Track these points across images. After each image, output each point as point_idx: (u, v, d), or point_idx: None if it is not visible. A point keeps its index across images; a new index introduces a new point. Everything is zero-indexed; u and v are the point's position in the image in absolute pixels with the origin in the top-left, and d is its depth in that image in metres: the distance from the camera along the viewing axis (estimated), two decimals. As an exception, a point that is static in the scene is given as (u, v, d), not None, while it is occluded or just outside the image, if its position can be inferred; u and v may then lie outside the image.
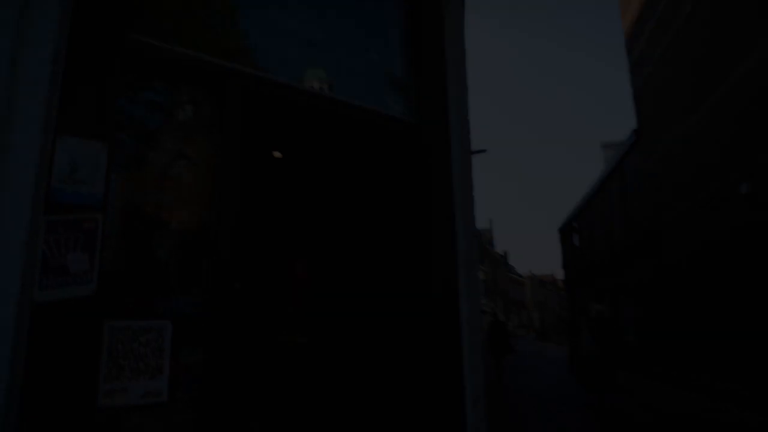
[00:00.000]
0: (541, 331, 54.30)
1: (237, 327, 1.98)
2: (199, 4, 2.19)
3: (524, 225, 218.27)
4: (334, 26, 2.68)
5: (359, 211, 3.23)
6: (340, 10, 2.76)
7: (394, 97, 2.89)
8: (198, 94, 2.10)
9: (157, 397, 1.79)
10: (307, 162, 3.63)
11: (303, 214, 3.71)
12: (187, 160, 2.07)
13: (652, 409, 9.26)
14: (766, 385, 8.00)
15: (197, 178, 2.08)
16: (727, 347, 9.51)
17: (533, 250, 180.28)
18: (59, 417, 1.55)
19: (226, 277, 1.97)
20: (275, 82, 2.26)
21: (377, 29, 2.97)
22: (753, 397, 8.37)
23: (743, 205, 8.50)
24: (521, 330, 54.89)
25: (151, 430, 1.80)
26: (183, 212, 2.04)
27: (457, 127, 2.95)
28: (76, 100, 1.73)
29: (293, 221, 3.71)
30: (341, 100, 2.52)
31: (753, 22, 8.14)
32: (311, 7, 2.57)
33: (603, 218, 17.94)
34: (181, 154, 2.06)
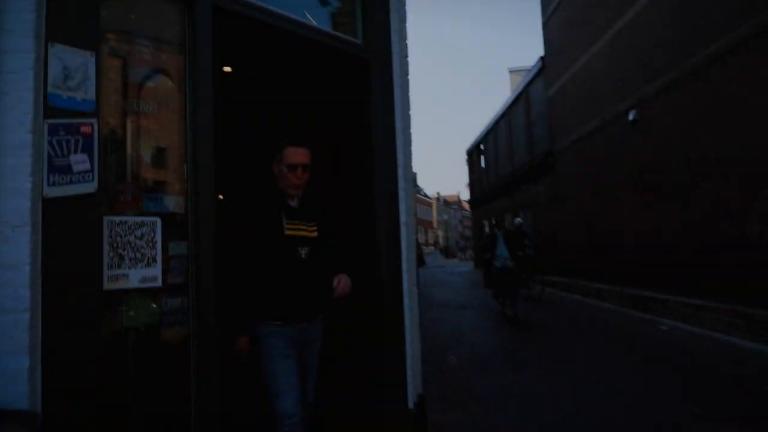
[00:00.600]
0: (445, 248, 57.67)
1: (217, 226, 2.26)
2: None
3: (434, 148, 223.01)
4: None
5: (311, 124, 3.47)
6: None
7: (346, 25, 3.10)
8: (174, 11, 2.21)
9: (153, 282, 2.07)
10: (266, 78, 3.75)
11: (265, 130, 3.86)
12: (165, 73, 2.22)
13: (557, 313, 10.59)
14: (623, 284, 9.54)
15: (174, 91, 2.24)
16: (601, 255, 11.02)
17: (442, 172, 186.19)
18: (73, 297, 1.79)
19: (206, 182, 2.21)
20: (246, 2, 2.40)
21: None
22: (617, 293, 9.95)
23: (630, 131, 9.59)
24: (427, 248, 57.92)
25: (148, 311, 2.09)
26: (165, 121, 2.21)
27: (398, 52, 3.24)
28: (63, 9, 1.83)
29: (257, 137, 3.84)
30: (305, 23, 2.71)
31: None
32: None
33: (508, 141, 19.10)
34: (160, 68, 2.20)
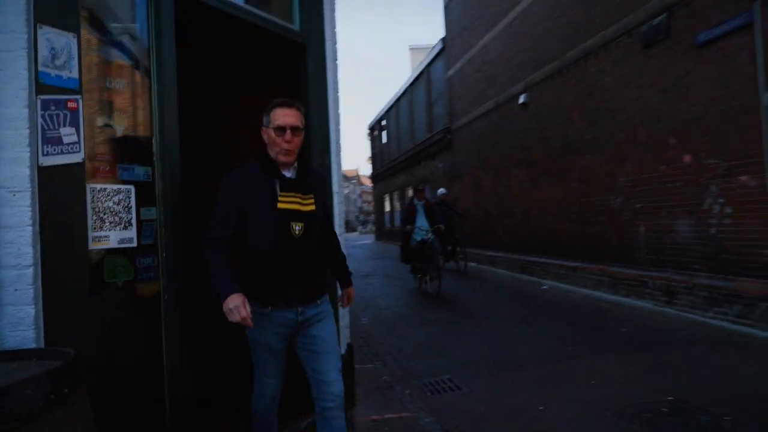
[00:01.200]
0: (345, 222, 58.40)
1: (183, 193, 2.53)
2: None
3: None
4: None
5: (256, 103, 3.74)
6: None
7: (287, 12, 3.40)
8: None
9: (130, 243, 2.32)
10: (216, 60, 3.93)
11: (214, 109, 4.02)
12: (134, 53, 2.43)
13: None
14: (512, 251, 10.70)
15: (142, 69, 2.46)
16: (493, 226, 12.16)
17: (343, 146, 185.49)
18: (65, 255, 2.02)
19: (170, 154, 2.47)
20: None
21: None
22: (507, 260, 11.10)
23: (521, 113, 10.61)
24: (328, 221, 58.23)
25: (126, 268, 2.34)
26: (135, 97, 2.43)
27: (330, 38, 3.59)
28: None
29: (208, 114, 3.99)
30: (252, 11, 2.98)
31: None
32: None
33: (410, 117, 19.89)
34: (129, 49, 2.41)
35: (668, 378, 4.04)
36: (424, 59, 18.15)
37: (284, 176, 2.25)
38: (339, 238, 2.84)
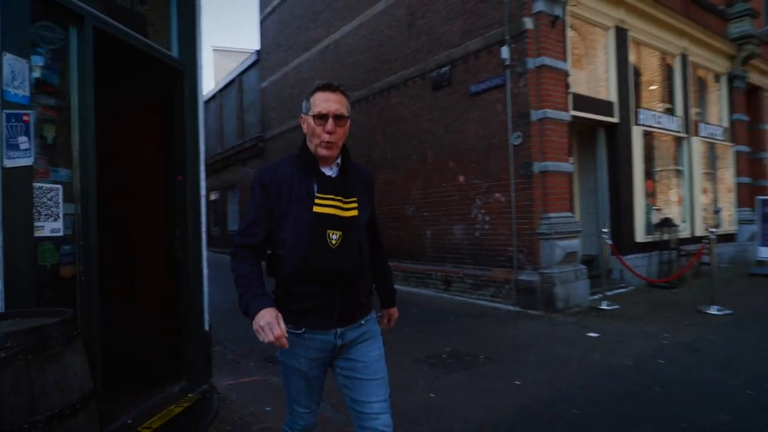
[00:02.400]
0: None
1: (99, 191, 3.07)
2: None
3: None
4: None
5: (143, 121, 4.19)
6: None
7: (167, 41, 4.01)
8: (66, 29, 2.93)
9: (57, 232, 2.82)
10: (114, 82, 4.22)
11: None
12: (62, 74, 2.93)
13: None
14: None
15: (68, 88, 2.96)
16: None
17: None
18: (20, 239, 2.50)
19: (87, 157, 3.00)
20: (114, 25, 3.21)
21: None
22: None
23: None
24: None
25: (53, 253, 2.82)
26: (63, 112, 2.91)
27: (199, 64, 4.29)
28: (10, 26, 2.47)
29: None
30: (145, 41, 3.58)
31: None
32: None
33: (219, 122, 19.98)
34: (58, 70, 2.90)
35: (447, 339, 5.60)
36: (236, 68, 18.53)
37: (324, 174, 1.87)
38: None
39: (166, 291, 4.13)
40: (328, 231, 1.80)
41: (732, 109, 11.98)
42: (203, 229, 4.25)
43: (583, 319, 6.39)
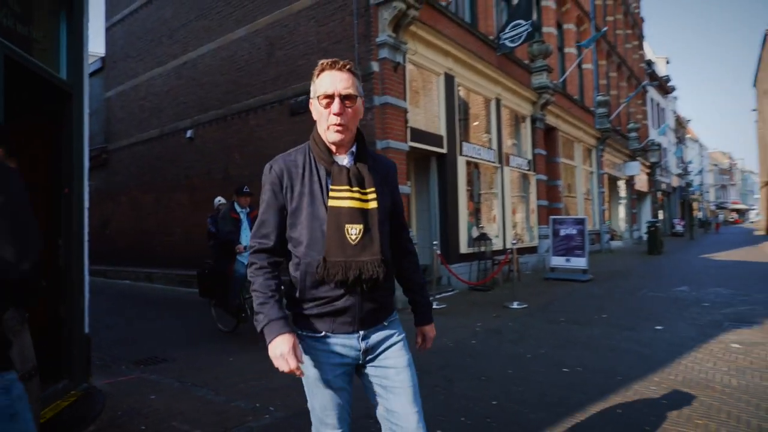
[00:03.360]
0: None
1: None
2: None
3: None
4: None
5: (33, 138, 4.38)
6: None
7: (56, 64, 4.36)
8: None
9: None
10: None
11: None
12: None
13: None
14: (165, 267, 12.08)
15: None
16: (149, 244, 13.15)
17: None
18: None
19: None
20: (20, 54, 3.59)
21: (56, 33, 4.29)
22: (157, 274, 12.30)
23: (187, 145, 12.14)
24: None
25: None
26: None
27: (85, 87, 4.67)
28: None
29: None
30: (38, 64, 3.95)
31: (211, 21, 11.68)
32: None
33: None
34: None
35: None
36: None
37: (337, 164, 1.69)
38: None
39: (49, 295, 4.40)
40: (346, 226, 1.61)
41: (534, 144, 14.69)
42: (86, 238, 4.59)
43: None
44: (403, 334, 1.85)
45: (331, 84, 1.63)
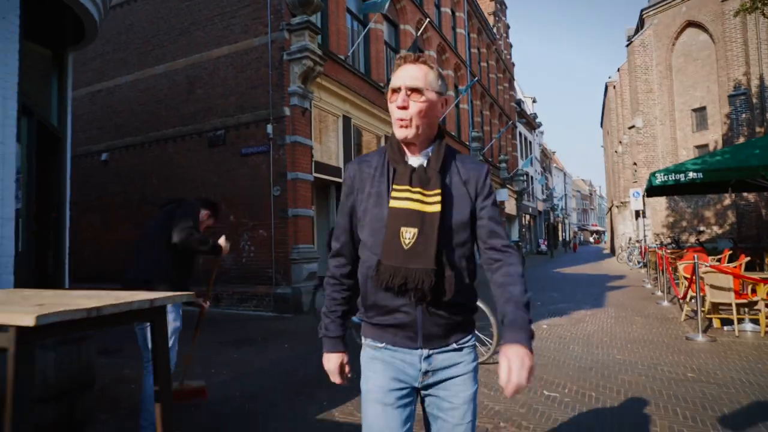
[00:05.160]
0: None
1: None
2: None
3: None
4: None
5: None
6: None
7: (52, 115, 5.65)
8: None
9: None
10: None
11: None
12: None
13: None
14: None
15: None
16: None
17: None
18: None
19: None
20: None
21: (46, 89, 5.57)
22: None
23: (102, 167, 12.93)
24: None
25: None
26: None
27: (69, 133, 5.96)
28: None
29: None
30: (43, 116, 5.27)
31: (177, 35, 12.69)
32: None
33: None
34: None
35: (233, 332, 7.94)
36: None
37: (405, 163, 1.56)
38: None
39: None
40: (401, 228, 1.46)
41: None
42: (67, 252, 5.85)
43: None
44: (474, 363, 1.59)
45: (399, 77, 1.52)
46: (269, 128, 10.12)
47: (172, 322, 3.27)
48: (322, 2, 11.09)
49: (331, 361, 1.66)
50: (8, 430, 1.50)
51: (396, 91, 1.52)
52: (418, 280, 1.43)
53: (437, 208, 1.48)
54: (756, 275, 6.88)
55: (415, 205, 1.48)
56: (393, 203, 1.49)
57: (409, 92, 1.51)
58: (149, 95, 12.22)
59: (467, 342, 1.60)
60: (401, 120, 1.52)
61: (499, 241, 1.59)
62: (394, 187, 1.52)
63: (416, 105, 1.51)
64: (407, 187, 1.50)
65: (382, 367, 1.55)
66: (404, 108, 1.51)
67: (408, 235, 1.46)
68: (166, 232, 3.34)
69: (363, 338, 1.64)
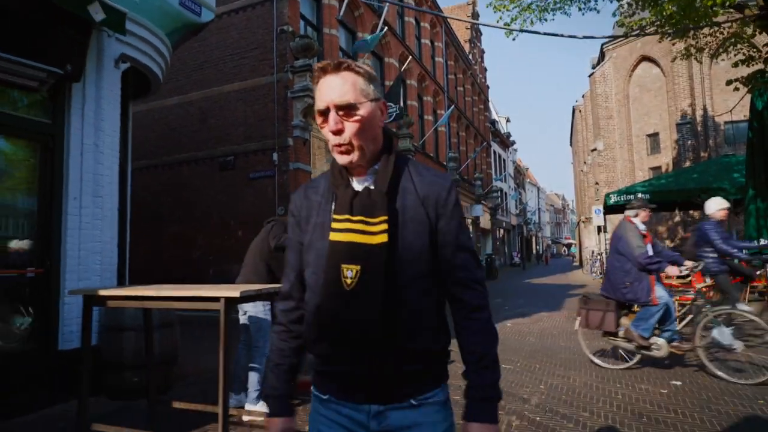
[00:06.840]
0: None
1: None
2: None
3: None
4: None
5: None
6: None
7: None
8: None
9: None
10: None
11: None
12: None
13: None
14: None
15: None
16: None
17: None
18: None
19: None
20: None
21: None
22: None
23: (117, 187, 14.31)
24: None
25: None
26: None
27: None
28: None
29: None
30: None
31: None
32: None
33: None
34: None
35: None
36: None
37: (345, 188, 1.29)
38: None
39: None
40: (342, 265, 1.20)
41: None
42: (127, 257, 7.34)
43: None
44: (446, 425, 1.26)
45: (324, 93, 1.23)
46: (275, 156, 11.73)
47: (264, 315, 4.79)
48: (320, 47, 12.80)
49: (275, 427, 1.34)
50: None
51: (322, 113, 1.23)
52: (360, 328, 1.17)
53: (383, 238, 1.19)
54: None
55: (357, 237, 1.20)
56: (333, 235, 1.23)
57: (340, 111, 1.21)
58: (163, 124, 13.69)
59: (431, 398, 1.25)
60: (339, 146, 1.23)
61: (464, 274, 1.29)
62: (334, 216, 1.25)
63: (352, 125, 1.21)
64: (347, 216, 1.23)
65: (326, 420, 1.28)
66: (339, 132, 1.21)
67: (349, 273, 1.18)
68: (266, 243, 5.05)
69: (313, 386, 1.34)
